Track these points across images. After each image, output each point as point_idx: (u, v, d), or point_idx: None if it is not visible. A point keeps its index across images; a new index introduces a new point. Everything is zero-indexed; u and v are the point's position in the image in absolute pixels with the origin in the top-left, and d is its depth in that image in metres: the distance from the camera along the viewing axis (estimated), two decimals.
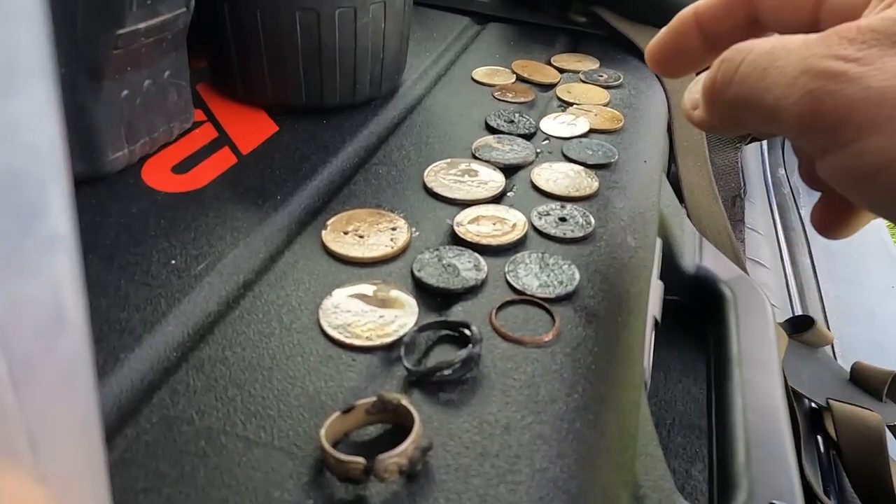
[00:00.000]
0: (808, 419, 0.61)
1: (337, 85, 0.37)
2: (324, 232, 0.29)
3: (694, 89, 0.26)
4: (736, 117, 0.23)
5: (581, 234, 0.29)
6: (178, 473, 0.19)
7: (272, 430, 0.20)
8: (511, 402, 0.22)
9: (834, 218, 0.25)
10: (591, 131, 0.39)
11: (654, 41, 0.27)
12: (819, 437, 0.62)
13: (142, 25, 0.29)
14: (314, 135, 0.36)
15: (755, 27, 0.24)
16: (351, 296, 0.25)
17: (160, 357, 0.23)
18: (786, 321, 0.64)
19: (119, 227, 0.28)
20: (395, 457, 0.18)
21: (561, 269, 0.27)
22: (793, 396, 0.54)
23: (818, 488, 0.52)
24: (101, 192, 0.30)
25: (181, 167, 0.33)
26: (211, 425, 0.20)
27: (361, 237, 0.28)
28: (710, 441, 0.36)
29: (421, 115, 0.40)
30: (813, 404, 0.61)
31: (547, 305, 0.25)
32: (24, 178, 0.08)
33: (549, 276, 0.27)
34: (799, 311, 0.74)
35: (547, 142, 0.37)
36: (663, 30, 0.27)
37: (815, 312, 0.77)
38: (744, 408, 0.35)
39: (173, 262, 0.27)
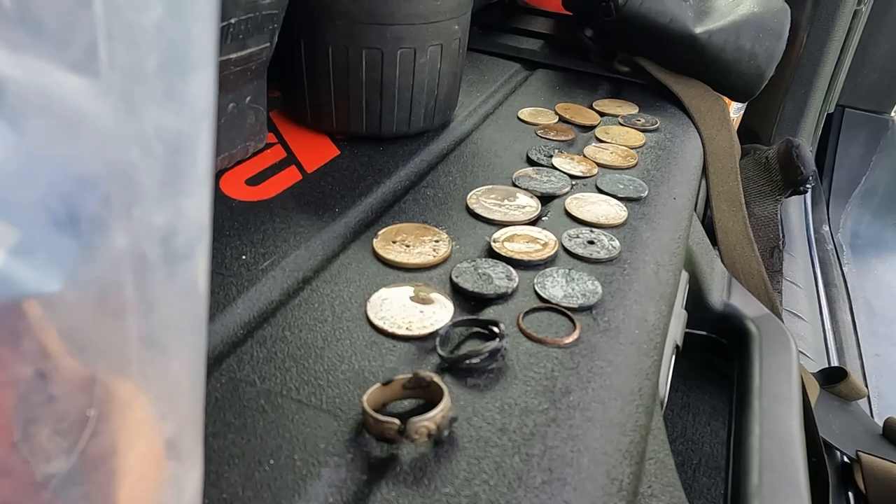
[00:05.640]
0: (839, 473, 0.61)
1: (394, 116, 0.42)
2: (374, 240, 0.32)
3: None
4: None
5: (607, 257, 0.32)
6: (241, 423, 0.22)
7: (321, 396, 0.24)
8: (530, 391, 0.24)
9: None
10: (602, 167, 0.41)
11: None
12: (850, 494, 0.61)
13: (233, 55, 0.34)
14: (371, 159, 0.40)
15: None
16: (395, 294, 0.29)
17: (229, 333, 0.26)
18: (818, 372, 0.64)
19: None
20: (426, 421, 0.21)
21: (585, 283, 0.30)
22: (823, 446, 0.54)
23: None
24: None
25: (254, 180, 0.37)
26: (270, 388, 0.24)
27: (408, 246, 0.32)
28: (728, 464, 0.37)
29: (468, 146, 0.44)
30: (845, 458, 0.61)
31: (569, 313, 0.28)
32: (189, 138, 0.11)
33: (573, 288, 0.30)
34: (836, 365, 0.74)
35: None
36: None
37: (854, 369, 0.76)
38: (760, 435, 0.37)
39: (244, 257, 0.31)
